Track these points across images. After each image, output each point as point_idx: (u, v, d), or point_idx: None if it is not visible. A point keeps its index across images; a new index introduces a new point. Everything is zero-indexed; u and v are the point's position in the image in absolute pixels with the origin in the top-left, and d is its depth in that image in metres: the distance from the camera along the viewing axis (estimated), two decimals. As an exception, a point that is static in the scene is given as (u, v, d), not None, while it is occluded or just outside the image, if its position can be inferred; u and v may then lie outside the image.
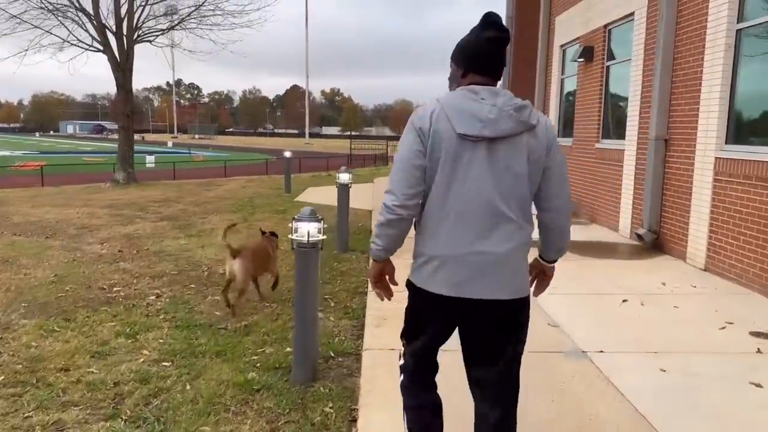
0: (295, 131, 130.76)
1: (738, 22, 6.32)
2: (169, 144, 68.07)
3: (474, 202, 2.13)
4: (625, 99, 8.95)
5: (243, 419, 3.22)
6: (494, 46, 2.20)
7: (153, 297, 5.54)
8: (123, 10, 16.91)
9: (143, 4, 17.14)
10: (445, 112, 2.14)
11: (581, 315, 5.08)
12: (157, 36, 17.93)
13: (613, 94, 9.86)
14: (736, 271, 6.11)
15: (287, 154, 14.91)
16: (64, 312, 5.05)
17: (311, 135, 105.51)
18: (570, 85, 11.86)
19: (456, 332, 2.32)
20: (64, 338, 4.41)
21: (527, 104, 2.17)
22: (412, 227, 2.28)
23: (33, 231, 8.92)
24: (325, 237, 3.66)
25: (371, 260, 2.38)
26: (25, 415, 3.26)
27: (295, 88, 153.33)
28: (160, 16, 17.36)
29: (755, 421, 3.31)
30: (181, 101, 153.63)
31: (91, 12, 16.57)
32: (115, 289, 5.79)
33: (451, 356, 2.51)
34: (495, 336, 2.24)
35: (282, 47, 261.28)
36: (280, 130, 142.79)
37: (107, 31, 16.79)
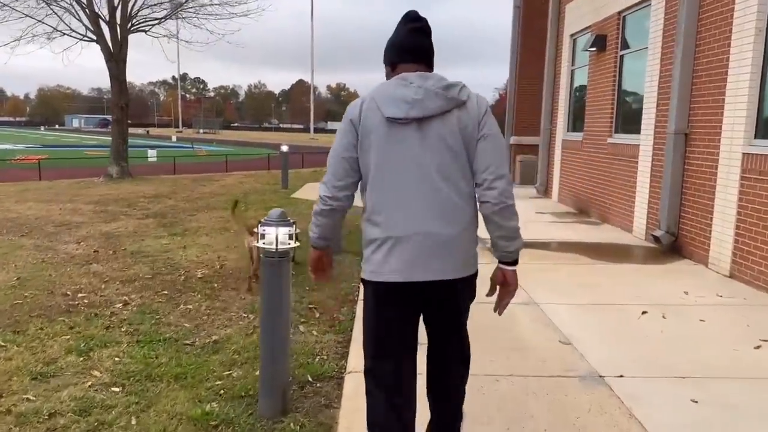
0: (300, 126, 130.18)
1: (770, 4, 5.72)
2: (174, 138, 67.64)
3: (411, 183, 2.14)
4: (641, 91, 8.34)
5: (192, 465, 2.67)
6: (416, 34, 2.28)
7: (119, 305, 4.99)
8: (116, -1, 16.38)
9: (138, -8, 16.60)
10: (375, 100, 2.18)
11: (596, 330, 4.50)
12: (153, 26, 17.41)
13: (627, 86, 9.24)
14: (767, 278, 5.51)
15: (284, 148, 14.34)
16: (16, 323, 4.51)
17: (316, 130, 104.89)
18: (580, 77, 11.24)
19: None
20: (6, 355, 3.87)
21: (458, 83, 2.20)
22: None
23: (9, 228, 8.40)
24: (298, 244, 3.10)
25: (310, 249, 2.42)
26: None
27: (300, 82, 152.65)
28: (155, 5, 16.80)
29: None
30: (187, 96, 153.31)
31: (84, 0, 16.03)
32: (79, 295, 5.25)
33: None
34: (443, 314, 2.32)
35: (288, 42, 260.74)
36: (285, 125, 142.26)
37: (100, 21, 16.25)
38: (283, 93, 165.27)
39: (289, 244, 3.03)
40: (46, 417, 3.07)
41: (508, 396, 3.41)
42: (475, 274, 2.34)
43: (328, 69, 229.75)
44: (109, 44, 16.33)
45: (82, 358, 3.84)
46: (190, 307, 4.92)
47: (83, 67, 16.00)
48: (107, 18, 16.25)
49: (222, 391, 3.37)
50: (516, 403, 3.33)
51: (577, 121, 11.43)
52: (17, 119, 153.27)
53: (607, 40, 9.57)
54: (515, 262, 2.38)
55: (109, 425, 2.99)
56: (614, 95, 9.38)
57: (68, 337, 4.23)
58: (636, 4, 8.65)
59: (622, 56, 9.27)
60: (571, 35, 11.51)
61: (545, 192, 12.67)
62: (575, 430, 3.00)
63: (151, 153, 35.37)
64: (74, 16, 16.31)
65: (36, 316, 4.67)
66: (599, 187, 9.71)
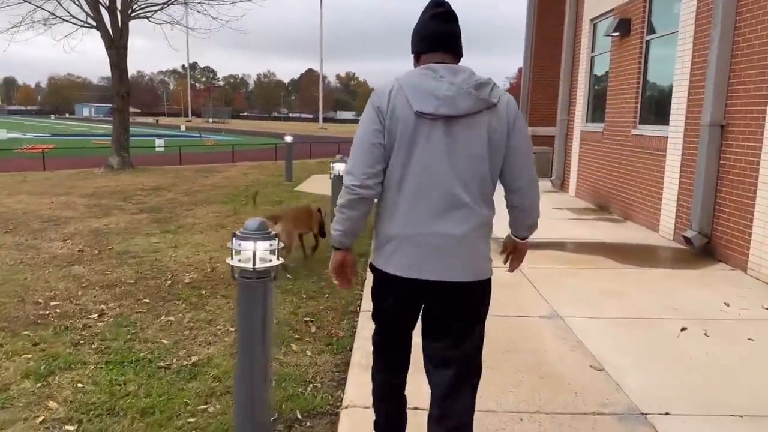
0: (310, 115, 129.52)
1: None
2: (182, 128, 67.25)
3: (430, 183, 2.10)
4: (670, 78, 7.70)
5: None
6: (439, 21, 2.19)
7: (94, 315, 4.48)
8: (117, -16, 15.83)
9: (139, -24, 16.05)
10: (403, 90, 2.10)
11: (630, 350, 3.93)
12: (155, 12, 16.84)
13: (653, 73, 8.60)
14: (819, 289, 4.92)
15: (288, 139, 13.76)
16: (-25, 338, 4.01)
17: (326, 119, 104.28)
18: (601, 64, 10.59)
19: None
20: (-48, 381, 3.37)
21: (489, 81, 2.13)
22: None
23: (-7, 224, 7.92)
24: (282, 261, 2.56)
25: (332, 250, 2.28)
26: None
27: (310, 71, 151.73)
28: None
29: None
30: (197, 85, 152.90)
31: (83, -15, 15.50)
32: (52, 303, 4.74)
33: None
34: (452, 317, 2.21)
35: (297, 30, 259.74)
36: (295, 115, 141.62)
37: (100, 6, 15.71)
38: (293, 82, 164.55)
39: (270, 261, 2.48)
40: (-19, 466, 2.56)
41: (535, 442, 2.87)
42: (488, 281, 2.24)
43: (338, 58, 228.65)
44: (110, 31, 15.80)
45: (39, 385, 3.33)
46: (172, 318, 4.40)
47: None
48: (107, 3, 15.71)
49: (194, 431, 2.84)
50: (545, 452, 2.78)
51: (596, 112, 10.79)
52: (28, 108, 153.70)
53: (632, 24, 8.92)
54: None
55: (51, 480, 2.47)
56: (639, 84, 8.74)
57: (30, 356, 3.72)
58: (665, -15, 8.01)
59: (648, 41, 8.62)
60: (592, 20, 10.85)
61: (561, 186, 12.06)
62: (619, 492, 2.45)
63: (159, 143, 35.13)
64: (73, 2, 15.81)
65: (-1, 329, 4.17)
66: (621, 182, 9.09)
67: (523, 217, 2.32)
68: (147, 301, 4.82)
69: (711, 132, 6.45)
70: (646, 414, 3.07)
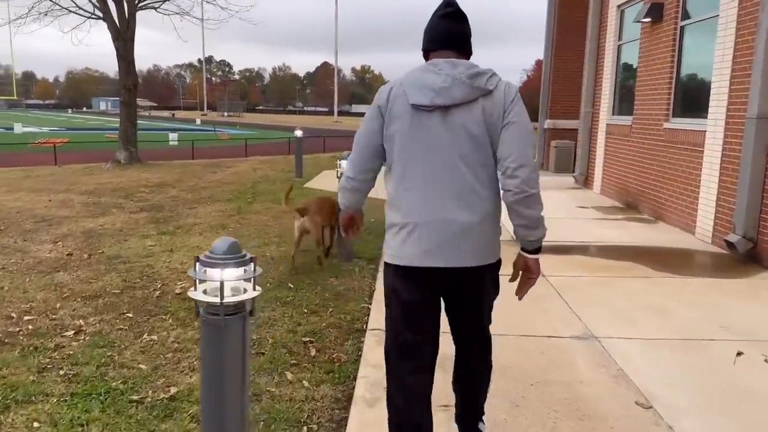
0: (325, 109, 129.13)
1: None
2: (198, 121, 67.13)
3: (432, 172, 2.14)
4: (708, 67, 7.06)
5: None
6: (448, 20, 2.24)
7: (70, 333, 4.00)
8: (123, -27, 15.37)
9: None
10: (403, 86, 2.18)
11: (680, 381, 3.36)
12: (164, 1, 16.39)
13: (688, 62, 7.95)
14: None
15: (298, 133, 13.22)
16: (-71, 361, 3.54)
17: (341, 113, 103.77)
18: (629, 53, 9.94)
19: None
20: None
21: (487, 71, 2.16)
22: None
23: (-16, 224, 7.50)
24: (258, 292, 2.04)
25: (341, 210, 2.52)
26: None
27: (325, 65, 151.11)
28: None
29: None
30: (212, 78, 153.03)
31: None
32: (26, 318, 4.27)
33: None
34: (464, 302, 2.31)
35: (312, 24, 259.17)
36: (310, 108, 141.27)
37: (107, -3, 15.28)
38: (308, 75, 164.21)
39: (244, 292, 1.96)
40: None
41: None
42: (497, 264, 2.32)
43: (353, 51, 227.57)
44: (116, 21, 15.36)
45: (-12, 424, 2.84)
46: (155, 338, 3.90)
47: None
48: (113, -7, 15.28)
49: (158, 495, 2.33)
50: None
51: (624, 104, 10.14)
52: (46, 102, 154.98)
53: (665, 9, 8.27)
54: (538, 251, 2.29)
55: None
56: (672, 73, 8.10)
57: (-14, 385, 3.24)
58: (703, -35, 7.36)
59: (682, 27, 7.97)
60: (619, 6, 10.19)
61: (585, 182, 11.43)
62: None
63: (173, 136, 34.96)
64: (80, -8, 15.38)
65: (-41, 350, 3.70)
66: (652, 179, 8.46)
67: (518, 207, 2.16)
68: (130, 315, 4.32)
69: (758, 125, 5.82)
70: (711, 472, 2.52)
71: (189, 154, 22.19)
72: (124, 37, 15.38)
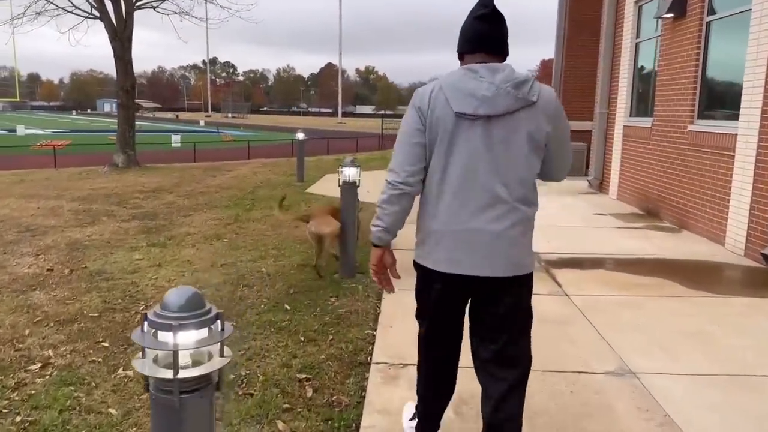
0: (329, 110, 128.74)
1: None
2: (201, 123, 66.79)
3: (470, 181, 2.12)
4: (739, 65, 6.55)
5: None
6: (484, 22, 2.19)
7: (36, 366, 3.53)
8: (121, -28, 14.93)
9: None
10: (443, 91, 2.14)
11: (739, 431, 2.87)
12: (162, 1, 15.95)
13: (716, 60, 7.44)
14: None
15: (300, 135, 12.71)
16: None
17: (345, 114, 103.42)
18: (648, 51, 9.43)
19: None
20: None
21: (528, 79, 2.12)
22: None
23: (-36, 234, 7.05)
24: (228, 359, 1.55)
25: (372, 248, 2.32)
26: None
27: (329, 66, 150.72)
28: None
29: None
30: (217, 80, 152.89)
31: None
32: (-11, 347, 3.80)
33: None
34: (494, 313, 2.23)
35: (317, 25, 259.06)
36: (314, 109, 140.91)
37: (104, -5, 14.85)
38: (312, 77, 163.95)
39: (209, 360, 1.47)
40: None
41: None
42: (530, 276, 2.24)
43: (357, 52, 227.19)
44: (113, 21, 14.93)
45: None
46: (131, 374, 3.42)
47: (80, 45, 14.72)
48: (111, -8, 14.84)
49: None
50: None
51: (643, 105, 9.64)
52: (51, 104, 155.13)
53: (688, 5, 7.76)
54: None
55: None
56: (697, 72, 7.58)
57: (-73, 436, 2.77)
58: (732, -44, 6.84)
59: (708, 23, 7.46)
60: (636, 1, 9.68)
61: (600, 186, 10.91)
62: None
63: (175, 138, 34.68)
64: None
65: None
66: (675, 185, 7.95)
67: None
68: (106, 344, 3.85)
69: (800, 128, 5.31)
70: None
71: (191, 156, 21.89)
72: (121, 37, 14.94)
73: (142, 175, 13.72)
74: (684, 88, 7.82)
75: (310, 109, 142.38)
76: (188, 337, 1.42)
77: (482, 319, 2.27)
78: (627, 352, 3.73)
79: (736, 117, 6.52)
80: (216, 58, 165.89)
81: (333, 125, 68.89)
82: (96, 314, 4.39)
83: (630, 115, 9.94)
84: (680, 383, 3.34)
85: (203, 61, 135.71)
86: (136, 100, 15.81)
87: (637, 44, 9.79)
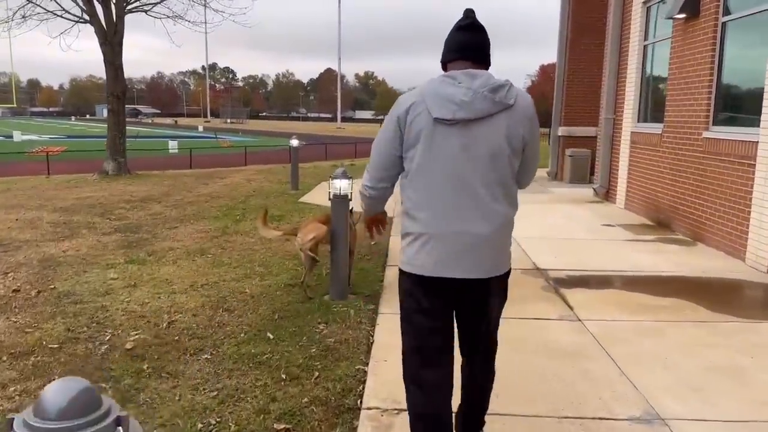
0: (328, 115, 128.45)
1: None
2: (200, 128, 66.40)
3: (451, 184, 2.17)
4: (759, 68, 6.12)
5: None
6: (465, 31, 2.27)
7: (-25, 412, 3.07)
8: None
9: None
10: (423, 98, 2.17)
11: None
12: (155, 4, 15.54)
13: (732, 63, 7.01)
14: None
15: (294, 143, 12.24)
16: None
17: (344, 119, 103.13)
18: (658, 54, 9.01)
19: None
20: None
21: (505, 84, 2.18)
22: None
23: (-68, 250, 6.60)
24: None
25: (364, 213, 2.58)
26: None
27: (328, 71, 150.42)
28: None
29: None
30: (216, 85, 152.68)
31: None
32: (-72, 387, 3.35)
33: None
34: (474, 312, 2.33)
35: (316, 30, 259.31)
36: (313, 114, 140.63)
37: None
38: (311, 82, 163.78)
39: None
40: None
41: None
42: (507, 273, 2.34)
43: (356, 57, 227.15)
44: (104, 25, 14.51)
45: None
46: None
47: (69, 50, 14.34)
48: (100, -5, 14.43)
49: None
50: None
51: (652, 110, 9.21)
52: (50, 110, 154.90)
53: (702, 4, 7.33)
54: None
55: None
56: (712, 76, 7.15)
57: None
58: (750, -48, 6.42)
59: (724, 24, 7.03)
60: (644, 2, 9.26)
61: (606, 195, 10.47)
62: None
63: (172, 144, 34.36)
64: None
65: None
66: (688, 195, 7.51)
67: None
68: (61, 384, 3.39)
69: (832, 136, 4.87)
70: None
71: (187, 162, 21.56)
72: (111, 42, 14.52)
73: (131, 183, 13.28)
74: (698, 92, 7.39)
75: (309, 115, 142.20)
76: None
77: (464, 314, 2.35)
78: (653, 392, 3.28)
79: (756, 123, 6.08)
80: (215, 63, 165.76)
81: (332, 130, 68.55)
82: (56, 345, 3.93)
83: (638, 121, 9.51)
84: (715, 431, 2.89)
85: (202, 66, 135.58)
86: (135, 106, 15.43)
87: (645, 47, 9.37)
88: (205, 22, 18.05)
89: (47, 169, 17.85)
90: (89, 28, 14.96)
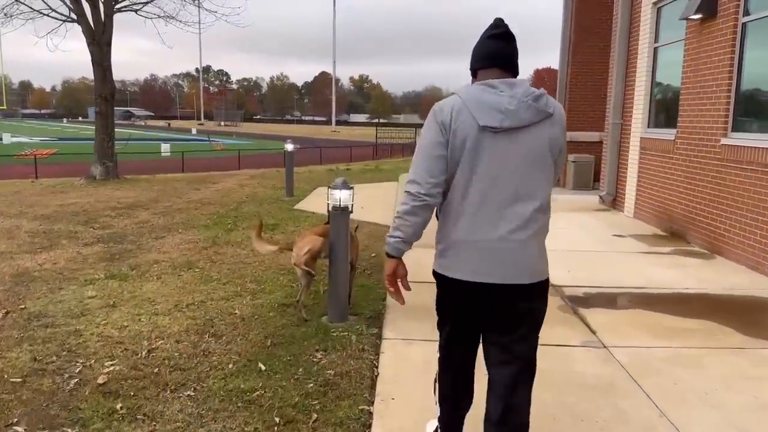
0: (323, 118, 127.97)
1: None
2: (193, 131, 65.88)
3: (494, 192, 2.19)
4: (786, 70, 5.73)
5: None
6: (497, 40, 2.30)
7: None
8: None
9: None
10: (466, 105, 2.18)
11: None
12: (144, 4, 15.10)
13: (754, 65, 6.61)
14: None
15: (289, 147, 11.77)
16: None
17: (339, 122, 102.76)
18: (669, 56, 8.61)
19: None
20: None
21: (543, 92, 2.23)
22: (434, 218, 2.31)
23: None
24: None
25: (387, 260, 2.35)
26: None
27: (323, 74, 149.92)
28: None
29: None
30: (210, 88, 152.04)
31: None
32: None
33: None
34: (512, 320, 2.26)
35: (311, 33, 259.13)
36: (308, 118, 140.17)
37: (82, -2, 13.98)
38: (306, 85, 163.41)
39: None
40: None
41: None
42: (546, 282, 2.31)
43: (351, 60, 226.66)
44: (91, 25, 14.05)
45: None
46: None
47: (57, 51, 13.91)
48: (88, -6, 13.97)
49: None
50: None
51: (663, 115, 8.82)
52: (42, 111, 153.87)
53: (720, 4, 6.95)
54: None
55: None
56: (731, 79, 6.76)
57: None
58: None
59: (744, 24, 6.65)
60: (655, 3, 8.87)
61: (613, 203, 10.07)
62: None
63: (165, 147, 33.97)
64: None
65: None
66: (705, 205, 7.11)
67: None
68: (19, 430, 2.94)
69: None
70: None
71: (180, 166, 21.20)
72: (99, 42, 14.08)
73: (119, 189, 12.80)
74: (715, 96, 7.00)
75: (303, 118, 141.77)
76: None
77: (499, 322, 2.29)
78: (701, 439, 2.86)
79: (784, 129, 5.69)
80: (209, 66, 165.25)
81: (327, 134, 68.21)
82: (19, 379, 3.47)
83: (648, 126, 9.12)
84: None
85: (196, 68, 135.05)
86: (128, 109, 15.00)
87: (655, 49, 8.98)
88: (199, 22, 17.66)
89: (35, 173, 17.50)
90: (77, 28, 14.53)
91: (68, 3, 14.04)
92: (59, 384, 3.42)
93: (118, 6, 14.43)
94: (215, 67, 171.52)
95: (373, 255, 6.48)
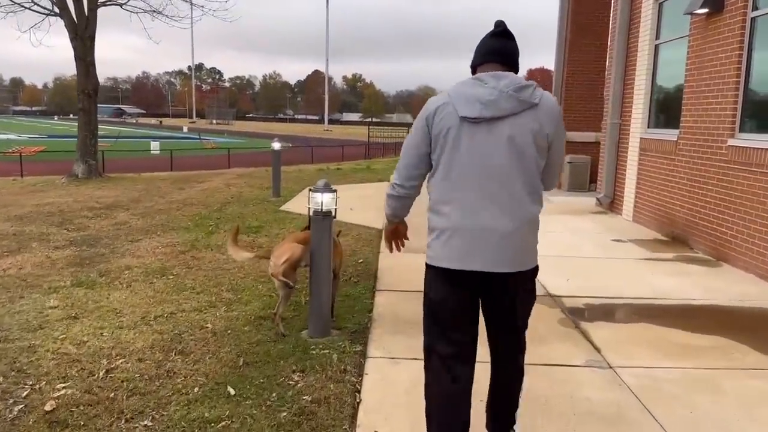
0: (315, 117, 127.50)
1: None
2: (185, 129, 65.29)
3: (476, 180, 2.24)
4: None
5: None
6: (495, 38, 2.38)
7: None
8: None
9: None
10: (451, 99, 2.27)
11: None
12: (129, -2, 14.66)
13: (762, 62, 6.29)
14: None
15: (276, 146, 11.37)
16: None
17: (331, 121, 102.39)
18: (672, 53, 8.29)
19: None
20: None
21: (530, 84, 2.27)
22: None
23: None
24: None
25: (386, 222, 2.62)
26: None
27: (316, 73, 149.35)
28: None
29: None
30: (202, 86, 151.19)
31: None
32: None
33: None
34: (499, 308, 2.38)
35: (304, 31, 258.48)
36: (300, 116, 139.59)
37: (64, -9, 13.54)
38: (299, 83, 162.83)
39: None
40: None
41: None
42: (535, 270, 2.37)
43: (344, 59, 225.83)
44: (74, 18, 13.61)
45: None
46: None
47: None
48: (71, -13, 13.53)
49: None
50: None
51: (665, 114, 8.50)
52: (33, 109, 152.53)
53: (727, -2, 6.62)
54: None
55: None
56: (739, 77, 6.43)
57: None
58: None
59: (753, 19, 6.32)
60: (656, -1, 8.55)
61: (611, 206, 9.75)
62: None
63: (154, 145, 33.56)
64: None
65: None
66: (710, 209, 6.78)
67: None
68: (-56, 469, 2.56)
69: None
70: None
71: (168, 164, 20.84)
72: (82, 36, 13.66)
73: (101, 188, 12.38)
74: (722, 95, 6.67)
75: (296, 116, 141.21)
76: None
77: (489, 311, 2.39)
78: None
79: (796, 130, 5.36)
80: (202, 63, 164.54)
81: (319, 132, 67.74)
82: (-45, 405, 3.09)
83: (648, 127, 8.79)
84: None
85: (189, 66, 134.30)
86: (120, 106, 14.60)
87: (656, 46, 8.65)
88: (191, 17, 17.29)
89: (21, 171, 17.10)
90: (60, 23, 14.09)
91: (50, -4, 13.60)
92: (1, 411, 3.03)
93: (101, 0, 13.98)
94: (208, 65, 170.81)
95: (360, 261, 6.11)
